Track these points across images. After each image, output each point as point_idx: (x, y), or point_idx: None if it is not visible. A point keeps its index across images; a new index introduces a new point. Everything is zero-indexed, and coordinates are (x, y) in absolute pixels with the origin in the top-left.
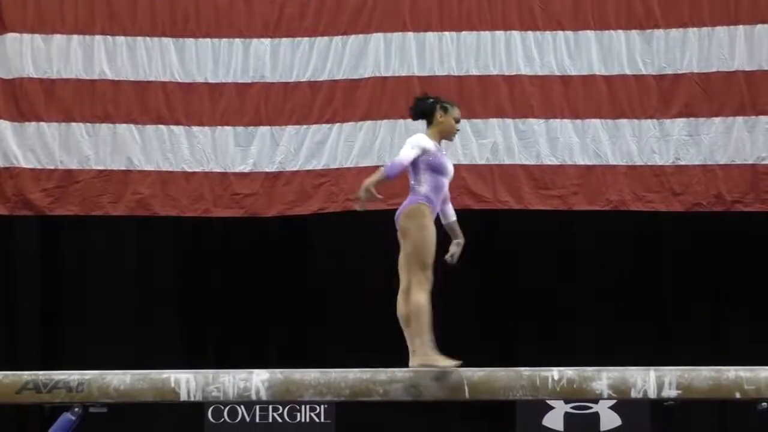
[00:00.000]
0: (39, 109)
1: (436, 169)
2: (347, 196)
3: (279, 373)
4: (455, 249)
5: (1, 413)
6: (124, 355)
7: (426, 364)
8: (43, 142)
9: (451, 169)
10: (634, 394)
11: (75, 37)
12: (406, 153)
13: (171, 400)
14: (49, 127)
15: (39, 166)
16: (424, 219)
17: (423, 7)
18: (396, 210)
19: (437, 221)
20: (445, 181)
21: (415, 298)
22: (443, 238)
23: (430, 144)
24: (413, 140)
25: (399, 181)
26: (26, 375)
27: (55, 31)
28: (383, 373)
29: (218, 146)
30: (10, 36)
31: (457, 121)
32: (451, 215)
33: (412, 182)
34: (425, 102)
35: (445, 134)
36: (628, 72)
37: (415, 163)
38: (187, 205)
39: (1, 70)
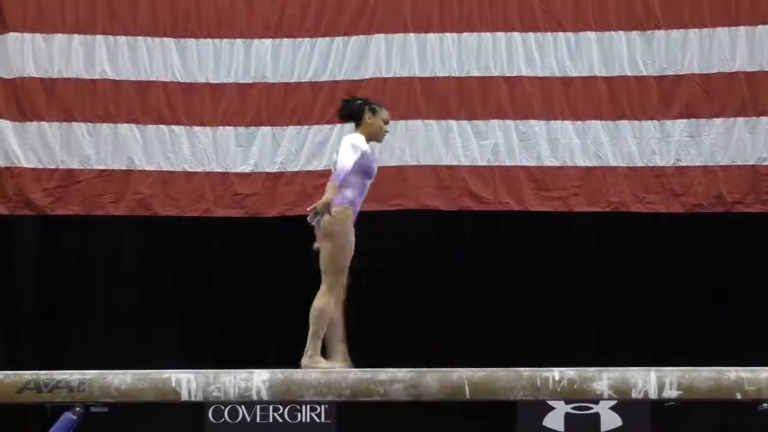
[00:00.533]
0: (40, 109)
1: (366, 172)
2: None
3: (279, 373)
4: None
5: (1, 413)
6: (124, 355)
7: (310, 366)
8: (44, 141)
9: (375, 171)
10: (634, 395)
11: (76, 36)
12: (349, 157)
13: (172, 400)
14: (50, 126)
15: (40, 166)
16: (347, 223)
17: (424, 8)
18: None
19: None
20: (369, 184)
21: (317, 303)
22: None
23: (366, 147)
24: (353, 142)
25: (399, 182)
26: (27, 374)
27: (57, 31)
28: (383, 373)
29: (219, 146)
30: (11, 35)
31: (386, 123)
32: None
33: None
34: (353, 103)
35: (374, 136)
36: (628, 73)
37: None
38: (187, 205)
39: (2, 69)
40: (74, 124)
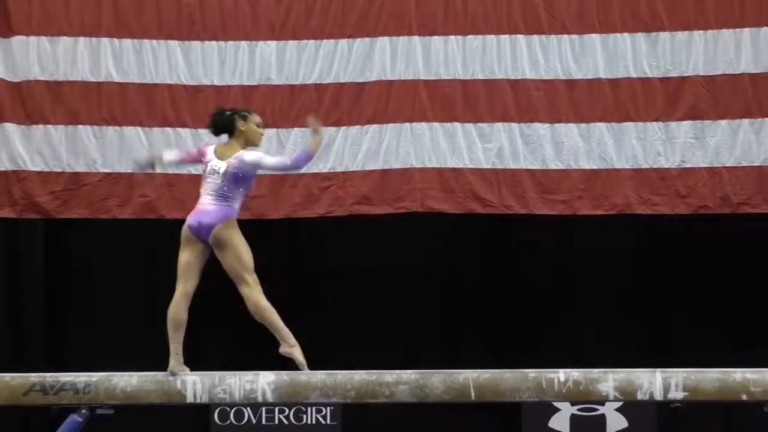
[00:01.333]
0: (46, 112)
1: (249, 186)
2: (353, 199)
3: (285, 375)
4: None
5: (7, 415)
6: (130, 357)
7: (291, 355)
8: (50, 144)
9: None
10: (640, 396)
11: (81, 39)
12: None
13: (177, 401)
14: (56, 129)
15: (46, 169)
16: (237, 231)
17: (428, 10)
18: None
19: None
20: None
21: (254, 300)
22: None
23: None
24: (255, 155)
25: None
26: (33, 377)
27: (62, 33)
28: (389, 375)
29: None
30: (17, 38)
31: (260, 126)
32: None
33: (225, 193)
34: (222, 115)
35: (251, 141)
36: (633, 75)
37: (240, 177)
38: (193, 208)
39: (8, 72)
40: (80, 127)
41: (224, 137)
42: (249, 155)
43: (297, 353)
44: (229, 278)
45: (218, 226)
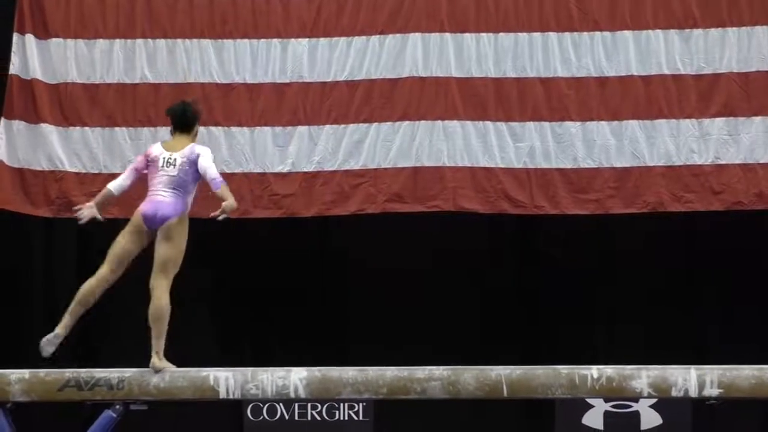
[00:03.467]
0: (83, 114)
1: (197, 181)
2: (385, 197)
3: (317, 371)
4: None
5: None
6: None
7: (162, 366)
8: (87, 146)
9: None
10: (674, 393)
11: (117, 41)
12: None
13: (210, 397)
14: (92, 131)
15: (83, 171)
16: (186, 228)
17: (460, 7)
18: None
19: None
20: None
21: (162, 301)
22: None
23: None
24: (209, 153)
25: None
26: (68, 373)
27: (98, 36)
28: (421, 371)
29: (257, 146)
30: (54, 41)
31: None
32: None
33: (181, 185)
34: (193, 108)
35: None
36: (666, 72)
37: (195, 175)
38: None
39: (46, 74)
40: (116, 128)
41: (167, 136)
42: (198, 147)
43: (166, 364)
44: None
45: (174, 219)
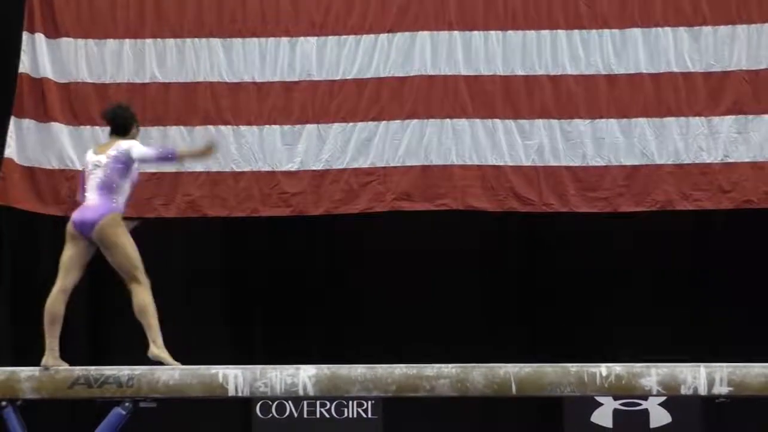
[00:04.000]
0: (93, 113)
1: (132, 179)
2: (394, 195)
3: (326, 369)
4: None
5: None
6: (172, 351)
7: (159, 357)
8: (98, 145)
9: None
10: (684, 391)
11: (127, 41)
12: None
13: (219, 395)
14: (102, 131)
15: None
16: (120, 227)
17: (468, 5)
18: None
19: None
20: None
21: (141, 298)
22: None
23: None
24: (137, 143)
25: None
26: (78, 370)
27: (108, 36)
28: (430, 369)
29: (266, 145)
30: (64, 40)
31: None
32: None
33: (108, 185)
34: (128, 111)
35: None
36: (675, 70)
37: (121, 166)
38: (235, 205)
39: (56, 73)
40: None
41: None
42: (125, 142)
43: (165, 355)
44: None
45: (101, 223)
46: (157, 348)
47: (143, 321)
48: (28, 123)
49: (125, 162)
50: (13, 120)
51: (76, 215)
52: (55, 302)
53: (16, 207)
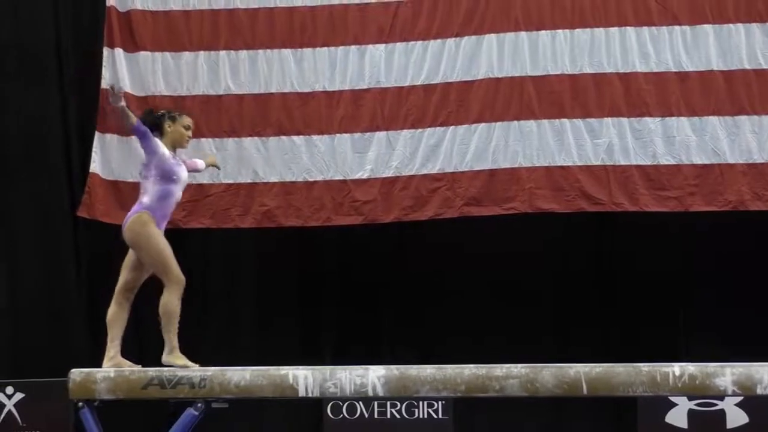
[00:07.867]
0: None
1: (165, 176)
2: (463, 201)
3: (395, 369)
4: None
5: (129, 408)
6: (244, 352)
7: (170, 363)
8: None
9: (183, 177)
10: (759, 391)
11: (201, 53)
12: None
13: (290, 395)
14: None
15: None
16: (145, 227)
17: (535, 5)
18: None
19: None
20: (175, 189)
21: (166, 300)
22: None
23: (165, 149)
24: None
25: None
26: (152, 371)
27: (183, 49)
28: (499, 369)
29: (337, 154)
30: (142, 54)
31: (188, 129)
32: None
33: (140, 194)
34: (150, 115)
35: (177, 143)
36: (747, 66)
37: (146, 170)
38: (309, 215)
39: (135, 86)
40: (202, 139)
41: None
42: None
43: (180, 362)
44: None
45: (126, 225)
46: (166, 354)
47: (163, 323)
48: (110, 137)
49: (145, 162)
50: (97, 135)
51: None
52: (113, 303)
53: (102, 221)
